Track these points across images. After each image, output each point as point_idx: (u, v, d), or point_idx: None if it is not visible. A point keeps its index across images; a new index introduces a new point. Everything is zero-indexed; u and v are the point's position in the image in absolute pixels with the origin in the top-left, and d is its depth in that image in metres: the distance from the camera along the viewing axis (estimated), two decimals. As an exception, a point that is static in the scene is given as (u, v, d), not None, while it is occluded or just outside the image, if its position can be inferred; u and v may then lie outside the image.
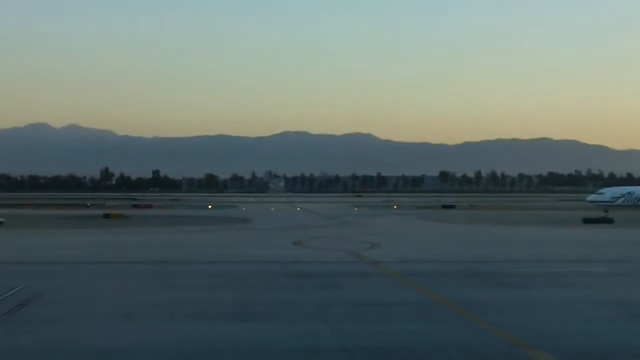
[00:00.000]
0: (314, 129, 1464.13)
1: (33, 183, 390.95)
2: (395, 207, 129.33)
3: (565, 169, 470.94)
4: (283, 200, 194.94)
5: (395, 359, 16.76)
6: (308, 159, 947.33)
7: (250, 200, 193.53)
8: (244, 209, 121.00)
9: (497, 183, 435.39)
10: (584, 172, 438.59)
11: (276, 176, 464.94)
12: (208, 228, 67.78)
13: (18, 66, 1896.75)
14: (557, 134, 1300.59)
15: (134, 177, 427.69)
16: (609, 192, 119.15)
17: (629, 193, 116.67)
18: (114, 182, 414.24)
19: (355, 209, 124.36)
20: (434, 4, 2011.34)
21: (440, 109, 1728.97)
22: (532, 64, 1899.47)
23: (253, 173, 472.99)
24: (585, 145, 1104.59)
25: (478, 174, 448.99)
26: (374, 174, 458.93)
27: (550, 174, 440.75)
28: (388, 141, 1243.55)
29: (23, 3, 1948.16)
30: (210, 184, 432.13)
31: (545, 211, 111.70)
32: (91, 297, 25.52)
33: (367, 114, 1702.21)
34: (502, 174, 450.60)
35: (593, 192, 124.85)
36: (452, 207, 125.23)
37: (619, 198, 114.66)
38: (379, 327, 20.45)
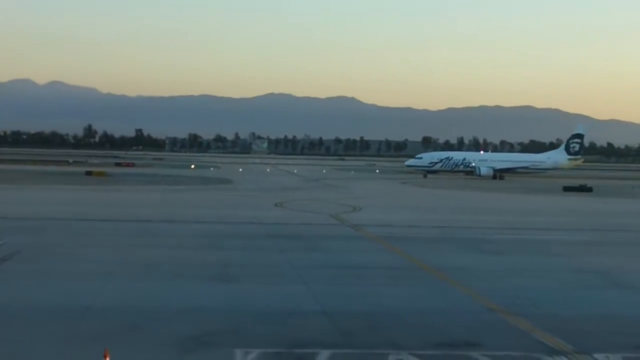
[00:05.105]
0: (298, 92, 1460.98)
1: (15, 139, 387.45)
2: (377, 171, 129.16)
3: (546, 137, 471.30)
4: (266, 161, 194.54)
5: (374, 323, 16.69)
6: (292, 121, 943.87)
7: (228, 160, 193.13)
8: (219, 167, 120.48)
9: (479, 149, 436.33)
10: (564, 141, 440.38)
11: (259, 137, 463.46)
12: (190, 188, 67.45)
13: (2, 22, 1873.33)
14: (539, 102, 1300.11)
15: (117, 135, 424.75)
16: (427, 157, 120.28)
17: (447, 158, 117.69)
18: (97, 139, 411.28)
19: (338, 172, 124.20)
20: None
21: (424, 74, 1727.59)
22: (516, 32, 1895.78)
23: (236, 134, 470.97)
24: (567, 114, 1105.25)
25: (460, 140, 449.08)
26: (357, 138, 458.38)
27: (532, 142, 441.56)
28: (372, 105, 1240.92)
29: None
30: (194, 144, 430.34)
31: (526, 178, 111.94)
32: (70, 255, 25.31)
33: (351, 78, 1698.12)
34: (485, 141, 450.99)
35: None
36: (434, 172, 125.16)
37: (436, 163, 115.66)
38: (358, 290, 20.42)
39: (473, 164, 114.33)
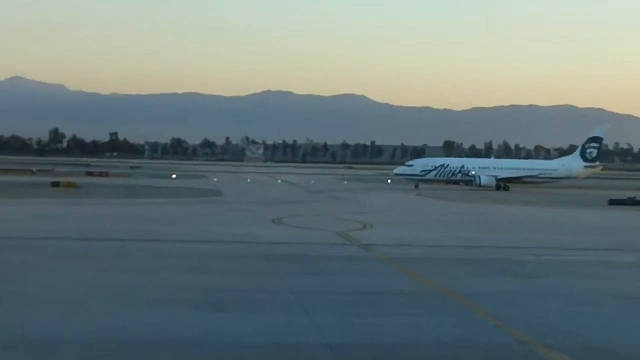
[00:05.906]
0: (299, 89, 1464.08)
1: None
2: (390, 181, 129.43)
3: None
4: (262, 170, 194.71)
5: (387, 357, 16.80)
6: (292, 123, 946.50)
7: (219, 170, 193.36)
8: (215, 179, 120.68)
9: (511, 156, 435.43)
10: (610, 146, 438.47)
11: (254, 143, 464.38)
12: (173, 201, 67.60)
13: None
14: (581, 102, 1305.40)
15: (88, 140, 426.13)
16: (419, 164, 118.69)
17: (442, 166, 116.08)
18: (65, 145, 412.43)
19: (346, 182, 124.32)
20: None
21: (445, 69, 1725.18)
22: (554, 23, 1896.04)
23: (227, 138, 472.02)
24: (613, 115, 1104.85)
25: (489, 145, 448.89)
26: (368, 143, 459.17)
27: (572, 147, 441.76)
28: (385, 105, 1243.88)
29: None
30: (178, 150, 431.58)
31: (563, 190, 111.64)
32: (36, 279, 25.39)
33: (360, 73, 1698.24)
34: (517, 146, 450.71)
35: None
36: (456, 183, 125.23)
37: (430, 171, 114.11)
38: (369, 320, 20.50)
39: (473, 173, 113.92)
